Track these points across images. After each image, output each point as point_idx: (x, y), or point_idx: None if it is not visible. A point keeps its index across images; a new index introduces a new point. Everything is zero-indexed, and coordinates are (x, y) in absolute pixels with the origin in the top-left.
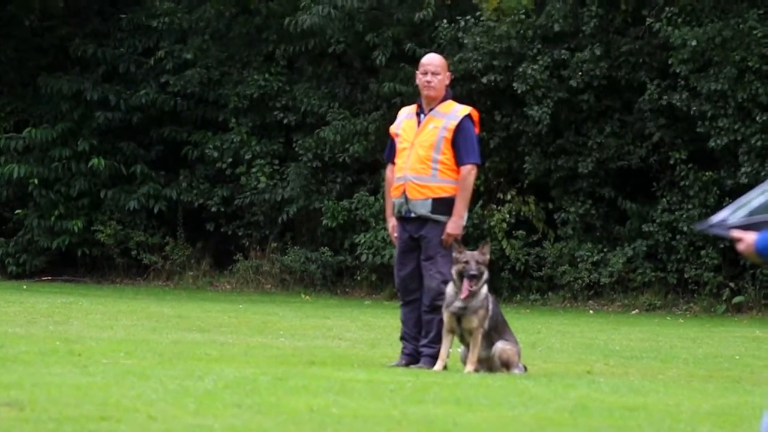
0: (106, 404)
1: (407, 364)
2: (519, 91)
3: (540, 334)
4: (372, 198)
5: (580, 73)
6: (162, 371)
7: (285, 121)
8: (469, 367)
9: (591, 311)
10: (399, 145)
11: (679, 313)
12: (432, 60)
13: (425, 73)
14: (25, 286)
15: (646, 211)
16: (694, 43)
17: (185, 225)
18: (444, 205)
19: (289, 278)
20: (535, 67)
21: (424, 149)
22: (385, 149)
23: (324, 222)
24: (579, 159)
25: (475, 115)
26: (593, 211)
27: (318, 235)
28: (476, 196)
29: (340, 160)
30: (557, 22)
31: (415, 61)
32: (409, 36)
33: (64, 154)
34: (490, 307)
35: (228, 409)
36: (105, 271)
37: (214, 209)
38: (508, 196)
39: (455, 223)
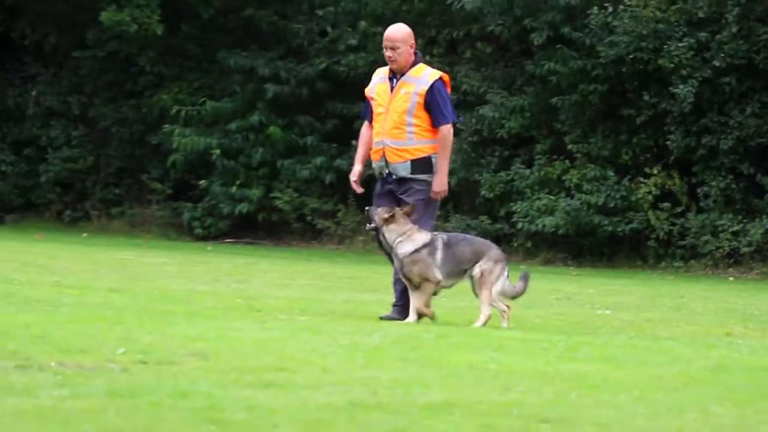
0: (283, 356)
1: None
2: (664, 67)
3: (683, 298)
4: (527, 171)
5: (722, 55)
6: (334, 327)
7: None
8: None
9: (731, 278)
10: (375, 109)
11: None
12: (389, 35)
13: (386, 49)
14: (210, 248)
15: None
16: None
17: (355, 193)
18: (423, 165)
19: None
20: (681, 45)
21: (399, 114)
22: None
23: (482, 193)
24: (721, 137)
25: (446, 77)
26: (733, 186)
27: (477, 204)
28: (624, 170)
29: (498, 135)
30: (701, 9)
31: (570, 43)
32: (563, 21)
33: (242, 126)
34: (437, 254)
35: (394, 362)
36: (282, 234)
37: None
38: (654, 171)
39: (440, 180)
